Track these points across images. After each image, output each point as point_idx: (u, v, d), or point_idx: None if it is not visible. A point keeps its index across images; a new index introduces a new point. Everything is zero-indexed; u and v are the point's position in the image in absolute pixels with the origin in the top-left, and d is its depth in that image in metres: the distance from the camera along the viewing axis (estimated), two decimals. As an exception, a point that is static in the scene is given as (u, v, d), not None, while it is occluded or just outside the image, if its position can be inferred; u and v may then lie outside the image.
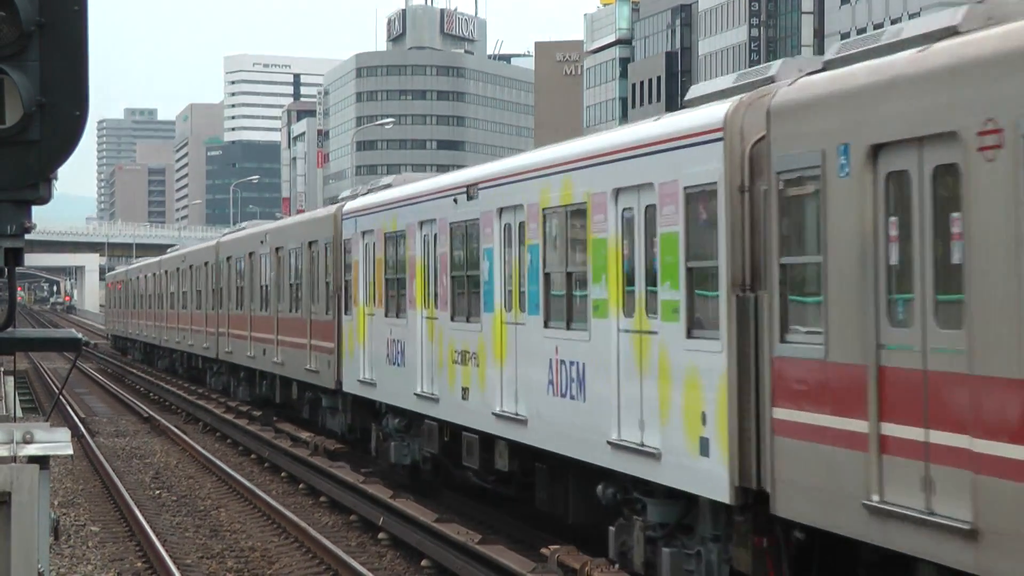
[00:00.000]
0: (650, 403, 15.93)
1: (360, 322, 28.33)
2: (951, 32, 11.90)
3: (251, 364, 41.87)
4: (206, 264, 50.47)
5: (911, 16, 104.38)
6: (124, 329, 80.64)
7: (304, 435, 33.08)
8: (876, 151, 12.17)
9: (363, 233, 28.08)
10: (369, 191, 30.21)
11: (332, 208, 32.23)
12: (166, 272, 61.88)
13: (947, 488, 11.26)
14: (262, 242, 40.10)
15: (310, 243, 33.94)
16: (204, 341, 50.55)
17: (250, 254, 41.82)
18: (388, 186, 28.87)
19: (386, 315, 26.48)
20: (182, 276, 56.45)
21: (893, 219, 12.06)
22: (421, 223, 24.25)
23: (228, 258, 45.78)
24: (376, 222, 27.13)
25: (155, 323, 65.09)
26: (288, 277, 36.61)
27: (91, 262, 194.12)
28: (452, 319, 22.73)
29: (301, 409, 36.06)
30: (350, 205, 29.87)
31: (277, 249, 37.89)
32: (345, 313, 29.69)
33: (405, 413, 25.86)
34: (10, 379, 33.79)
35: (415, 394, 24.34)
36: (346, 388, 29.71)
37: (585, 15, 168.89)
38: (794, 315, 13.47)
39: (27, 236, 9.04)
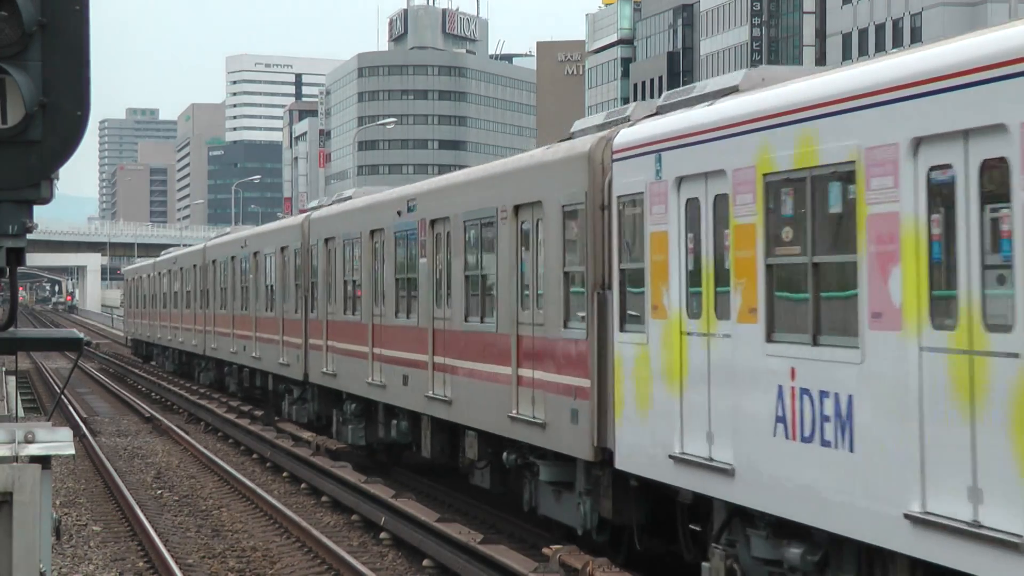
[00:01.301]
0: None
1: (673, 346, 15.89)
2: None
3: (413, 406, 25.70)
4: (282, 251, 36.94)
5: (912, 16, 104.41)
6: (150, 333, 67.14)
7: (306, 435, 33.04)
8: None
9: (679, 181, 15.83)
10: (658, 112, 17.43)
11: (584, 142, 18.53)
12: (213, 263, 48.10)
13: None
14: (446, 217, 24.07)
15: (517, 208, 20.69)
16: (279, 355, 37.10)
17: (393, 233, 26.97)
18: (733, 90, 15.79)
19: (770, 338, 13.98)
20: (246, 266, 42.16)
21: None
22: (916, 142, 11.84)
23: (335, 242, 31.36)
24: (728, 156, 14.79)
25: (194, 327, 52.36)
26: (476, 265, 22.73)
27: (93, 262, 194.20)
28: None
29: (472, 472, 23.45)
30: (632, 134, 17.20)
31: (465, 223, 22.98)
32: (621, 329, 17.27)
33: (810, 540, 13.76)
34: (12, 379, 33.75)
35: (907, 516, 11.76)
36: (623, 463, 17.22)
37: (587, 15, 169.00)
38: None
39: (29, 236, 9.06)
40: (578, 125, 20.25)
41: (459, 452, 23.89)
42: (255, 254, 40.68)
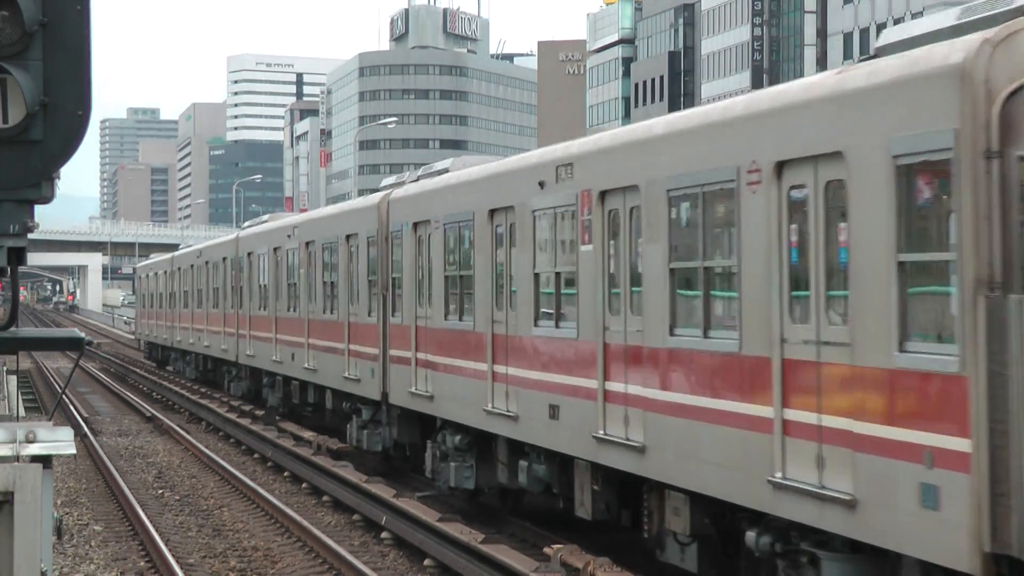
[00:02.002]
0: None
1: None
2: None
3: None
4: (347, 240, 30.34)
5: (914, 16, 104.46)
6: (167, 335, 60.50)
7: (307, 435, 33.03)
8: None
9: None
10: None
11: (947, 51, 11.78)
12: (249, 256, 41.57)
13: None
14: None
15: (780, 166, 13.91)
16: (344, 367, 30.29)
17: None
18: None
19: None
20: (295, 259, 35.31)
21: None
22: None
23: (429, 227, 24.89)
24: None
25: (223, 330, 45.89)
26: (690, 253, 15.91)
27: (94, 262, 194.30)
28: None
29: (664, 545, 16.85)
30: None
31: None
32: None
33: None
34: (13, 378, 33.78)
35: None
36: None
37: (588, 14, 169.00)
38: None
39: (30, 235, 9.05)
40: (887, 36, 13.20)
41: (643, 515, 17.27)
42: (307, 244, 33.86)
